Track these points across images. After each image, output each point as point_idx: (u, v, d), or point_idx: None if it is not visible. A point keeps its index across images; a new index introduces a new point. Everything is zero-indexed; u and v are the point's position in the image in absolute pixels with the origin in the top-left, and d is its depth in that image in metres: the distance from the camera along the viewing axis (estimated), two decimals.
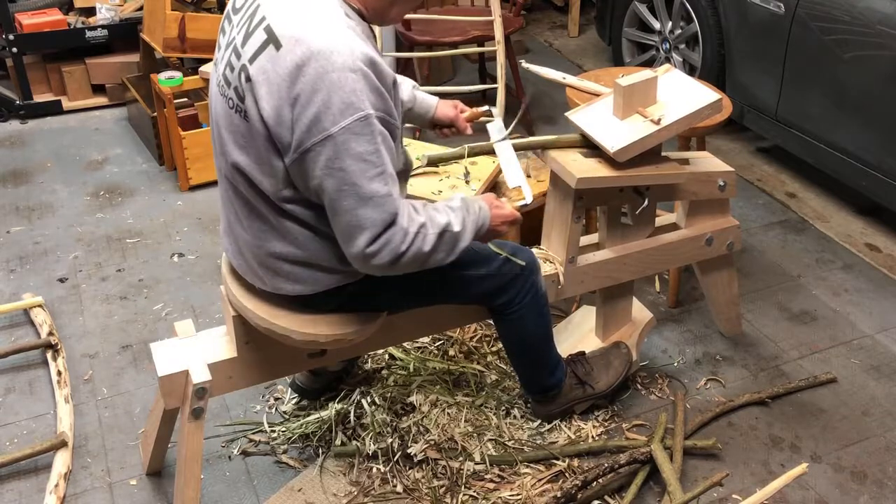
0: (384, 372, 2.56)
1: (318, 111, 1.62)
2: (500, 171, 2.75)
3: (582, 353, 2.43)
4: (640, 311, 2.57)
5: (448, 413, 2.39)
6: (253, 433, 2.42)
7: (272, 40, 1.67)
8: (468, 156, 2.36)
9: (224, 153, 1.81)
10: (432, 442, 2.30)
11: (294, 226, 1.81)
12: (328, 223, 1.79)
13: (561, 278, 2.32)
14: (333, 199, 1.69)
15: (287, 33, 1.66)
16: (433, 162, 2.60)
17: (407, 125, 2.27)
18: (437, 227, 1.80)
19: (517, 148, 2.29)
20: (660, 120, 2.20)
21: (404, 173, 1.95)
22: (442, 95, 4.19)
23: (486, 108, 2.29)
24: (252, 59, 1.69)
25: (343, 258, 1.83)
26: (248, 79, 1.69)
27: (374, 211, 1.69)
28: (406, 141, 2.42)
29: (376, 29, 3.51)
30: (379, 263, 1.75)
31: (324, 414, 2.42)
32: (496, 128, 2.26)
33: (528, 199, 2.16)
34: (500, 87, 3.65)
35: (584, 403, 2.43)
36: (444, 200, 1.90)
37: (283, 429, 2.40)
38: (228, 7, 1.86)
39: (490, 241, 2.05)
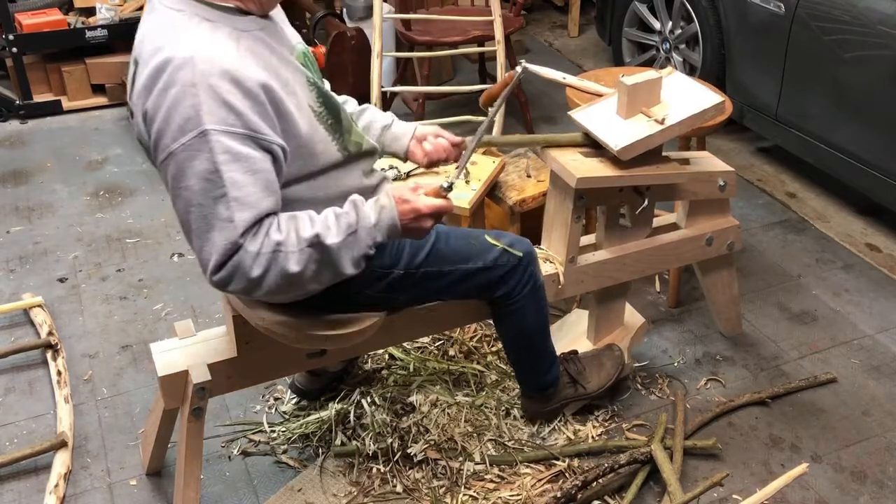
0: (384, 372, 2.56)
1: (160, 128, 1.58)
2: (500, 171, 2.75)
3: (574, 352, 2.43)
4: (632, 316, 2.57)
5: (448, 413, 2.39)
6: (253, 433, 2.42)
7: (136, 63, 1.66)
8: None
9: None
10: (432, 442, 2.30)
11: None
12: None
13: (561, 278, 2.32)
14: (183, 222, 1.64)
15: (144, 51, 1.64)
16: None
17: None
18: (302, 243, 1.65)
19: (519, 144, 2.28)
20: (664, 120, 2.20)
21: (361, 155, 1.89)
22: (442, 95, 4.20)
23: (519, 68, 2.16)
24: (130, 94, 1.68)
25: None
26: (132, 115, 1.68)
27: (217, 235, 1.60)
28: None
29: (376, 29, 3.50)
30: (235, 290, 1.65)
31: (324, 414, 2.42)
32: (523, 70, 2.19)
33: (449, 184, 1.81)
34: None
35: (576, 404, 2.43)
36: (329, 209, 1.74)
37: (283, 429, 2.40)
38: None
39: (418, 237, 1.84)
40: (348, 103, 2.09)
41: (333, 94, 1.90)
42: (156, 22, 1.65)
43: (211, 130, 1.56)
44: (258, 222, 1.63)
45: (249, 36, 1.68)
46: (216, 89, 1.56)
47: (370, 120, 2.09)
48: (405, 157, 2.12)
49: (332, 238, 1.68)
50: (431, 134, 2.11)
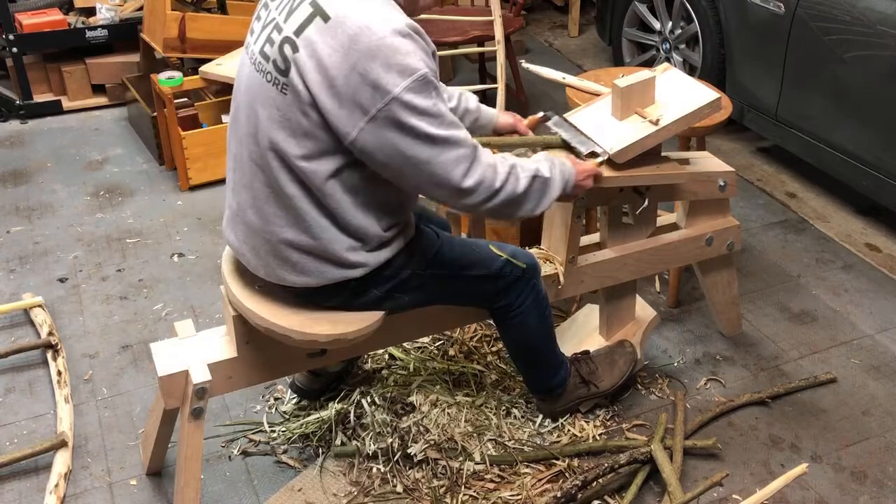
0: (384, 372, 2.56)
1: (377, 77, 1.66)
2: None
3: (586, 352, 2.43)
4: (643, 310, 2.58)
5: (448, 413, 2.39)
6: (253, 433, 2.42)
7: (319, 13, 1.71)
8: (542, 147, 2.35)
9: (254, 131, 1.81)
10: (432, 442, 2.30)
11: (315, 213, 1.82)
12: (352, 215, 1.82)
13: (561, 278, 2.32)
14: (413, 158, 1.74)
15: (335, 8, 1.70)
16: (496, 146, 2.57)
17: None
18: (528, 172, 1.89)
19: (519, 144, 2.28)
20: (658, 120, 2.20)
21: None
22: None
23: (541, 114, 2.32)
24: (298, 31, 1.72)
25: (352, 251, 1.85)
26: (295, 49, 1.72)
27: (452, 150, 1.76)
28: None
29: None
30: (475, 201, 1.83)
31: (324, 414, 2.42)
32: (554, 122, 2.30)
33: (603, 157, 2.15)
34: (500, 87, 3.64)
35: (589, 402, 2.44)
36: (525, 159, 1.98)
37: (283, 429, 2.40)
38: None
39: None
40: (464, 96, 2.23)
41: None
42: None
43: (428, 73, 1.71)
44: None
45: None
46: (418, 41, 1.72)
47: (466, 105, 2.22)
48: (495, 126, 2.29)
49: (546, 173, 1.95)
50: (509, 127, 2.28)
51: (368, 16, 1.68)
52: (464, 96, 2.22)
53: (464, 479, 2.23)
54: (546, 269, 2.30)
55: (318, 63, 1.69)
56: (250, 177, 1.86)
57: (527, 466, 2.28)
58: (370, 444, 2.30)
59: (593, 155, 2.15)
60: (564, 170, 2.00)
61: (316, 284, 1.90)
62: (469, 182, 1.80)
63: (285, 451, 2.36)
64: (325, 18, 1.70)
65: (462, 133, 1.78)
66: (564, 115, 2.32)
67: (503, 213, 1.92)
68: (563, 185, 1.98)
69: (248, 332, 2.02)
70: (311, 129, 1.74)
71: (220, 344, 2.08)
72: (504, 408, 2.45)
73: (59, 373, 2.57)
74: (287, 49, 1.73)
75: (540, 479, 2.25)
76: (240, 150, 1.88)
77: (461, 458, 2.28)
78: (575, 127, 2.26)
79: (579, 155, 2.15)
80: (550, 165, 1.97)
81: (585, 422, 2.43)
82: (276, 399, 2.53)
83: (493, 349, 2.66)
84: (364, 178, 1.81)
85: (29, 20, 4.08)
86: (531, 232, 2.73)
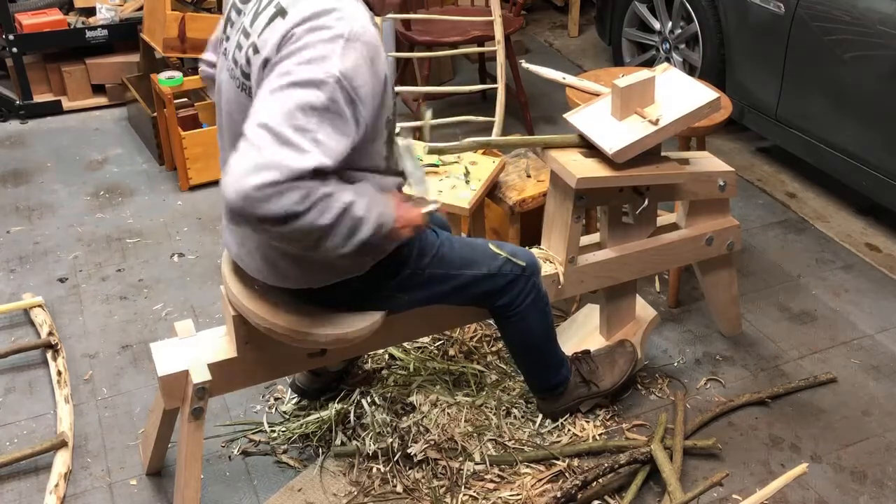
0: (384, 372, 2.56)
1: (292, 50, 1.61)
2: (500, 171, 2.75)
3: (587, 352, 2.44)
4: (643, 309, 2.58)
5: (448, 413, 2.39)
6: (253, 433, 2.42)
7: (280, 12, 1.68)
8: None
9: (234, 137, 1.80)
10: (432, 442, 2.30)
11: None
12: None
13: (561, 278, 2.32)
14: (249, 125, 1.59)
15: (295, 3, 1.66)
16: (435, 152, 2.50)
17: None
18: (341, 203, 1.63)
19: (519, 145, 2.28)
20: (658, 120, 2.20)
21: (387, 172, 1.91)
22: (442, 95, 4.20)
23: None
24: (260, 34, 1.70)
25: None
26: (256, 50, 1.70)
27: (286, 155, 1.55)
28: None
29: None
30: (267, 212, 1.55)
31: (324, 414, 2.42)
32: (403, 145, 2.06)
33: (435, 207, 1.92)
34: (500, 87, 3.64)
35: (590, 401, 2.44)
36: (352, 185, 1.75)
37: (283, 429, 2.40)
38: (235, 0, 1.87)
39: (390, 242, 1.86)
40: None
41: None
42: None
43: (340, 78, 1.59)
44: (324, 172, 1.60)
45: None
46: (360, 52, 1.62)
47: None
48: None
49: (360, 211, 1.67)
50: None
51: (323, 6, 1.63)
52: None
53: (464, 479, 2.23)
54: (546, 269, 2.30)
55: (268, 36, 1.67)
56: None
57: (527, 466, 2.28)
58: (370, 444, 2.30)
59: (422, 202, 1.92)
60: (382, 213, 1.74)
61: (312, 286, 1.90)
62: (267, 191, 1.53)
63: (285, 451, 2.35)
64: (284, 15, 1.67)
65: (312, 150, 1.57)
66: (565, 115, 2.32)
67: (296, 239, 1.66)
68: (375, 226, 1.72)
69: (248, 332, 2.02)
70: None
71: (220, 344, 2.08)
72: (504, 408, 2.45)
73: (59, 373, 2.57)
74: (250, 52, 1.72)
75: (540, 479, 2.25)
76: (225, 155, 1.88)
77: (461, 459, 2.28)
78: (577, 132, 2.24)
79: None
80: (369, 204, 1.71)
81: (586, 422, 2.43)
82: (276, 399, 2.53)
83: (493, 349, 2.66)
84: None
85: (29, 20, 4.08)
86: (531, 232, 2.73)
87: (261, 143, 1.56)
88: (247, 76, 1.73)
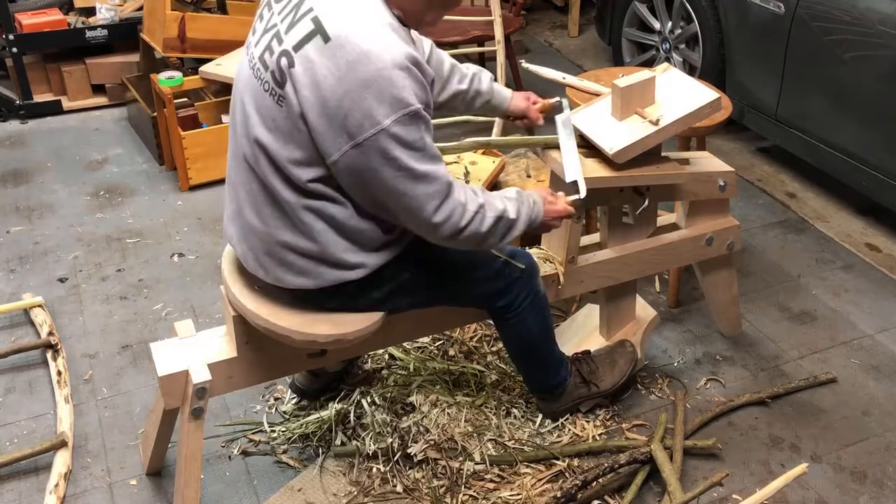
0: (384, 372, 2.56)
1: (369, 106, 1.67)
2: (500, 171, 2.75)
3: (587, 352, 2.43)
4: (643, 309, 2.58)
5: (448, 413, 2.39)
6: (253, 433, 2.42)
7: (320, 31, 1.70)
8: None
9: (247, 132, 1.82)
10: (432, 442, 2.30)
11: (311, 216, 1.82)
12: (348, 217, 1.82)
13: (561, 278, 2.32)
14: (390, 188, 1.76)
15: (336, 29, 1.69)
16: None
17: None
18: (495, 212, 1.90)
19: (519, 145, 2.28)
20: (658, 120, 2.20)
21: None
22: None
23: (556, 99, 2.29)
24: (297, 47, 1.72)
25: (351, 253, 1.86)
26: (292, 64, 1.72)
27: (429, 186, 1.77)
28: None
29: None
30: (440, 235, 1.85)
31: (324, 414, 2.42)
32: (562, 119, 2.27)
33: (583, 194, 2.12)
34: None
35: (590, 402, 2.44)
36: (499, 191, 1.99)
37: (283, 429, 2.40)
38: None
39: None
40: (478, 77, 2.23)
41: None
42: (354, 4, 1.74)
43: (419, 108, 1.72)
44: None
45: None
46: (414, 73, 1.71)
47: (475, 90, 2.22)
48: (506, 109, 2.29)
49: (512, 214, 1.94)
50: (524, 104, 2.29)
51: (369, 42, 1.68)
52: (477, 77, 2.22)
53: (464, 479, 2.23)
54: (546, 269, 2.30)
55: (314, 82, 1.69)
56: (247, 178, 1.86)
57: (527, 466, 2.28)
58: (370, 444, 2.30)
59: (574, 187, 2.13)
60: (532, 211, 2.00)
61: (314, 286, 1.90)
62: (438, 218, 1.82)
63: (285, 451, 2.36)
64: (326, 39, 1.69)
65: (441, 169, 1.80)
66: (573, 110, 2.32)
67: (465, 246, 1.94)
68: (527, 224, 1.99)
69: (248, 332, 2.02)
70: (303, 140, 1.75)
71: (220, 344, 2.08)
72: (504, 408, 2.45)
73: (59, 373, 2.57)
74: (284, 62, 1.74)
75: (540, 479, 2.25)
76: (237, 151, 1.89)
77: (461, 458, 2.28)
78: (578, 133, 2.25)
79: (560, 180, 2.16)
80: (518, 206, 1.96)
81: (586, 422, 2.43)
82: (276, 399, 2.53)
83: (493, 349, 2.66)
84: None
85: (29, 20, 4.08)
86: (531, 232, 2.73)
87: (407, 191, 1.78)
88: (279, 84, 1.75)
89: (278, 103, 1.76)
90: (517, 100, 2.28)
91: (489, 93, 2.23)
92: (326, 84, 1.68)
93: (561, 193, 2.13)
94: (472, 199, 1.87)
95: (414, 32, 1.91)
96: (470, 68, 2.22)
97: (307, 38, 1.72)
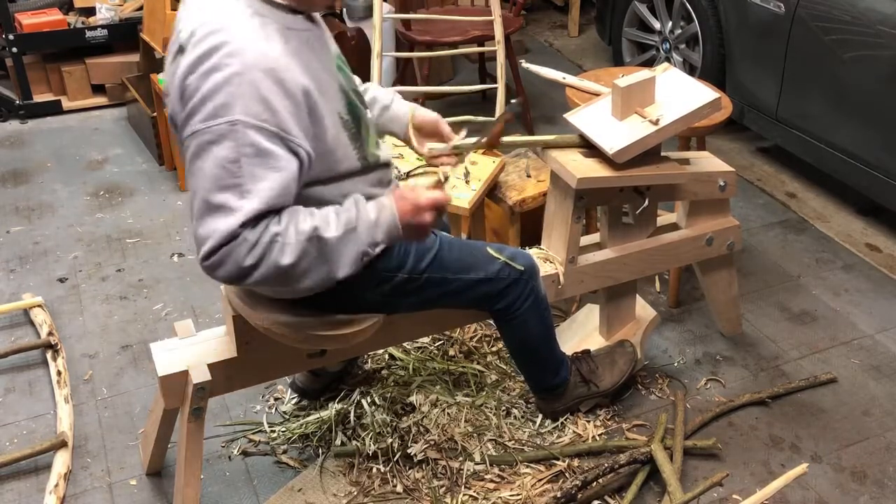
0: (384, 372, 2.56)
1: (193, 106, 1.60)
2: (500, 171, 2.75)
3: (587, 352, 2.44)
4: (643, 309, 2.58)
5: (448, 413, 2.39)
6: (253, 433, 2.42)
7: (181, 50, 1.66)
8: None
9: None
10: (432, 442, 2.30)
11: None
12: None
13: (561, 278, 2.32)
14: (191, 199, 1.65)
15: (190, 37, 1.64)
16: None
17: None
18: (301, 235, 1.64)
19: (519, 145, 2.28)
20: (658, 120, 2.20)
21: (379, 166, 1.91)
22: (442, 95, 4.20)
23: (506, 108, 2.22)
24: (171, 70, 1.70)
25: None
26: (167, 92, 1.71)
27: (217, 221, 1.60)
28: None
29: (376, 29, 3.50)
30: (223, 276, 1.64)
31: (324, 414, 2.42)
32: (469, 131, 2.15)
33: (446, 172, 1.93)
34: (500, 87, 3.64)
35: (590, 401, 2.44)
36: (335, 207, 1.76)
37: (283, 429, 2.40)
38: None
39: (419, 238, 1.85)
40: (369, 90, 2.09)
41: (359, 93, 1.91)
42: (209, 6, 1.66)
43: (241, 121, 1.57)
44: (262, 216, 1.62)
45: (297, 36, 1.70)
46: (257, 84, 1.58)
47: (372, 98, 2.09)
48: (404, 140, 2.14)
49: (330, 232, 1.68)
50: (430, 124, 2.13)
51: (212, 43, 1.60)
52: (374, 94, 2.08)
53: (464, 480, 2.23)
54: (546, 270, 2.30)
55: (171, 96, 1.68)
56: None
57: (527, 466, 2.28)
58: (370, 444, 2.30)
59: (445, 180, 1.91)
60: (380, 218, 1.74)
61: (307, 292, 1.89)
62: (213, 259, 1.62)
63: (285, 451, 2.35)
64: (183, 51, 1.64)
65: (240, 204, 1.59)
66: (565, 115, 2.32)
67: (274, 284, 1.69)
68: (372, 237, 1.73)
69: (248, 332, 2.02)
70: None
71: (220, 344, 2.08)
72: (504, 408, 2.45)
73: (59, 373, 2.57)
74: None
75: (540, 479, 2.25)
76: None
77: (461, 459, 2.28)
78: (578, 132, 2.23)
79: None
80: (347, 219, 1.71)
81: (586, 422, 2.43)
82: (276, 399, 2.53)
83: (493, 349, 2.66)
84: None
85: (29, 20, 4.08)
86: (531, 232, 2.73)
87: (197, 216, 1.63)
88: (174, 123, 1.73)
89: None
90: (425, 111, 2.13)
91: (388, 107, 2.09)
92: (177, 88, 1.67)
93: (420, 183, 1.94)
94: (268, 230, 1.62)
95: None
96: (367, 88, 2.09)
97: (173, 59, 1.69)
